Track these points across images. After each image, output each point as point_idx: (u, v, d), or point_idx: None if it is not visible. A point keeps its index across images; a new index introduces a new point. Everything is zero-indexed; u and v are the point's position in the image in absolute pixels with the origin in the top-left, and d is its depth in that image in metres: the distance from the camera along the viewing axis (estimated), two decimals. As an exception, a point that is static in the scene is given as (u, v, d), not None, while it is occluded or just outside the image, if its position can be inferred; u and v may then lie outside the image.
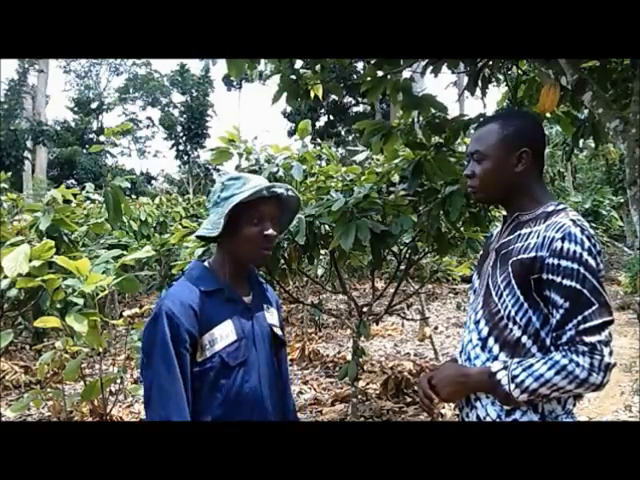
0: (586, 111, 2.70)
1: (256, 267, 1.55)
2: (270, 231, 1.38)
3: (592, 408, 4.02)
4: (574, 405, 1.29)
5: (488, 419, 1.28)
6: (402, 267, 3.91)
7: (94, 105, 29.17)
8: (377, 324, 4.67)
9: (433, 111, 2.60)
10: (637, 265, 7.79)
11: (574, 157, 13.10)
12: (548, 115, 2.54)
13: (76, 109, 28.47)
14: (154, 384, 1.27)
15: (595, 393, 4.28)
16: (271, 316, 1.48)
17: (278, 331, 1.48)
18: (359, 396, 4.14)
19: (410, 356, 5.94)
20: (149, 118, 31.91)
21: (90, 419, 3.61)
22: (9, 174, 6.18)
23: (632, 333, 6.30)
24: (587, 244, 1.19)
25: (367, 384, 4.69)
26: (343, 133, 23.43)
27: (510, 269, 1.26)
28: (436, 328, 7.06)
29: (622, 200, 11.43)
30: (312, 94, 2.68)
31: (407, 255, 3.75)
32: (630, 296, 7.93)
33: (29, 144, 15.63)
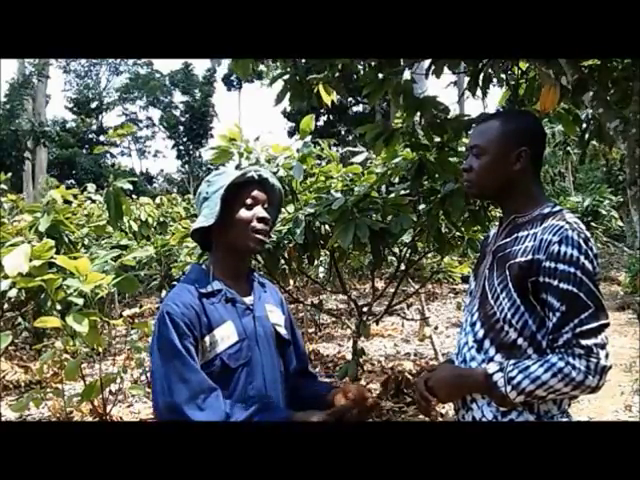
0: (589, 111, 2.70)
1: (253, 254, 1.53)
2: (264, 214, 1.39)
3: (592, 408, 4.02)
4: (569, 405, 1.29)
5: (484, 420, 1.28)
6: (402, 267, 3.91)
7: (94, 105, 29.18)
8: (377, 324, 4.67)
9: (434, 112, 2.60)
10: (637, 265, 7.80)
11: (574, 157, 13.09)
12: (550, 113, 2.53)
13: (75, 109, 28.47)
14: (172, 381, 1.23)
15: (595, 393, 4.28)
16: (274, 316, 1.46)
17: (282, 330, 1.46)
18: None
19: (410, 356, 5.94)
20: (149, 118, 31.97)
21: (90, 419, 3.61)
22: (9, 174, 6.18)
23: (632, 333, 6.30)
24: (584, 247, 1.19)
25: (367, 384, 4.69)
26: (343, 133, 23.41)
27: (507, 272, 1.26)
28: (436, 328, 7.06)
29: (622, 200, 11.43)
30: (328, 99, 2.63)
31: (407, 255, 3.75)
32: (630, 296, 7.93)
33: (30, 145, 15.63)
